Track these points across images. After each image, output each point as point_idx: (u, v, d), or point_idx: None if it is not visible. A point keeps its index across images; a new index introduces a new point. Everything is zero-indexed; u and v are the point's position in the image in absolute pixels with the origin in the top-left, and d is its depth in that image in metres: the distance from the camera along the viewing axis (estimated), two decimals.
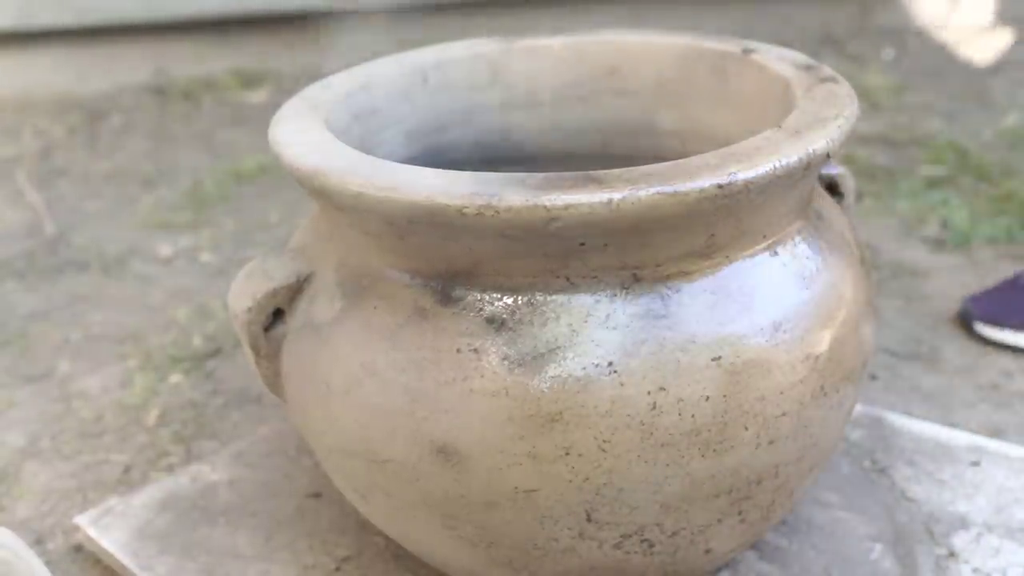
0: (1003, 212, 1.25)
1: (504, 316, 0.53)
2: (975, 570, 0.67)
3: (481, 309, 0.54)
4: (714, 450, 0.54)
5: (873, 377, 0.94)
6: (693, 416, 0.53)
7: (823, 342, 0.56)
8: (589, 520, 0.55)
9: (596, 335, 0.52)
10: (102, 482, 0.86)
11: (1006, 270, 1.12)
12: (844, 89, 0.61)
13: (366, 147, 0.69)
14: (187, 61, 1.97)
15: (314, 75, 1.91)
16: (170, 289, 1.19)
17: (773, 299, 0.55)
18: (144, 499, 0.78)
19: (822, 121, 0.56)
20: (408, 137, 0.74)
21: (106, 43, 1.95)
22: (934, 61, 1.87)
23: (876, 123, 1.57)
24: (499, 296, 0.54)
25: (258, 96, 1.88)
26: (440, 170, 0.53)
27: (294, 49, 2.01)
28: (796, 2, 2.07)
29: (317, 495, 0.78)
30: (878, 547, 0.70)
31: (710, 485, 0.55)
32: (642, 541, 0.56)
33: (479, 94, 0.77)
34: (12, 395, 1.00)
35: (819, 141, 0.54)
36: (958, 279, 1.11)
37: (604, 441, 0.52)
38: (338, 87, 0.68)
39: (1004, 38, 1.96)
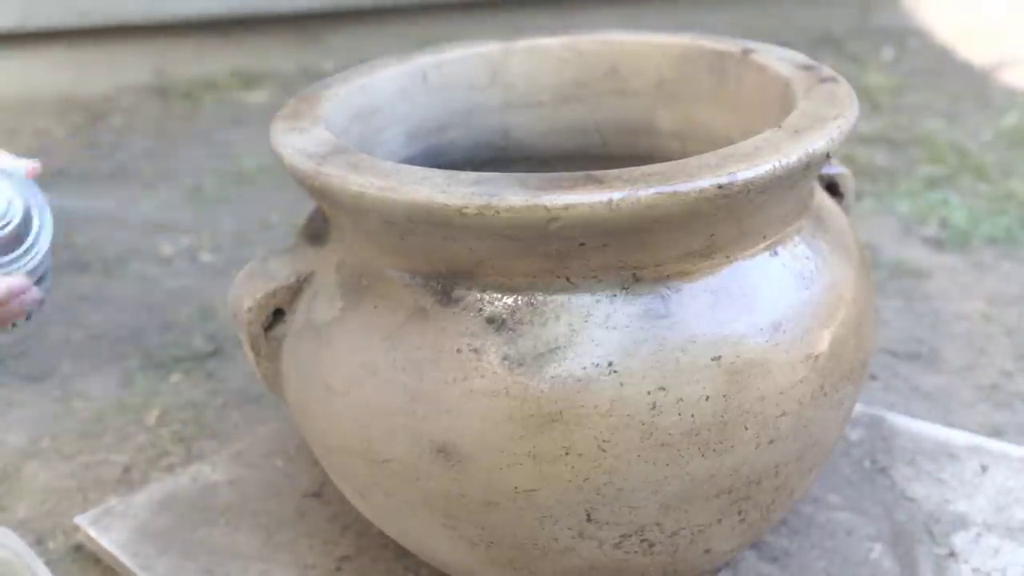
0: (1003, 212, 1.25)
1: (504, 316, 0.53)
2: (975, 570, 0.67)
3: (481, 309, 0.54)
4: (714, 450, 0.54)
5: (873, 377, 0.94)
6: (693, 416, 0.53)
7: (823, 342, 0.56)
8: (589, 520, 0.55)
9: (596, 335, 0.52)
10: (102, 482, 0.86)
11: (1007, 270, 1.12)
12: (844, 89, 0.61)
13: (366, 147, 0.69)
14: (187, 61, 1.97)
15: (314, 75, 1.91)
16: (170, 289, 1.19)
17: (773, 299, 0.55)
18: (144, 499, 0.78)
19: (822, 121, 0.56)
20: (408, 137, 0.74)
21: (106, 43, 1.95)
22: (934, 61, 1.87)
23: (876, 123, 1.57)
24: (499, 296, 0.54)
25: (258, 96, 1.88)
26: (440, 170, 0.53)
27: (294, 49, 2.01)
28: (796, 2, 2.06)
29: (317, 495, 0.78)
30: (878, 547, 0.70)
31: (710, 485, 0.55)
32: (642, 541, 0.56)
33: (479, 94, 0.77)
34: (12, 395, 1.00)
35: (819, 141, 0.54)
36: (958, 279, 1.11)
37: (604, 441, 0.52)
38: (338, 87, 0.68)
39: (1004, 38, 1.96)
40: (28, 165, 0.67)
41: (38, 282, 0.69)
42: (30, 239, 0.67)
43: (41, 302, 0.69)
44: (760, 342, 0.54)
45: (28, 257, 0.67)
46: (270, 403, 0.94)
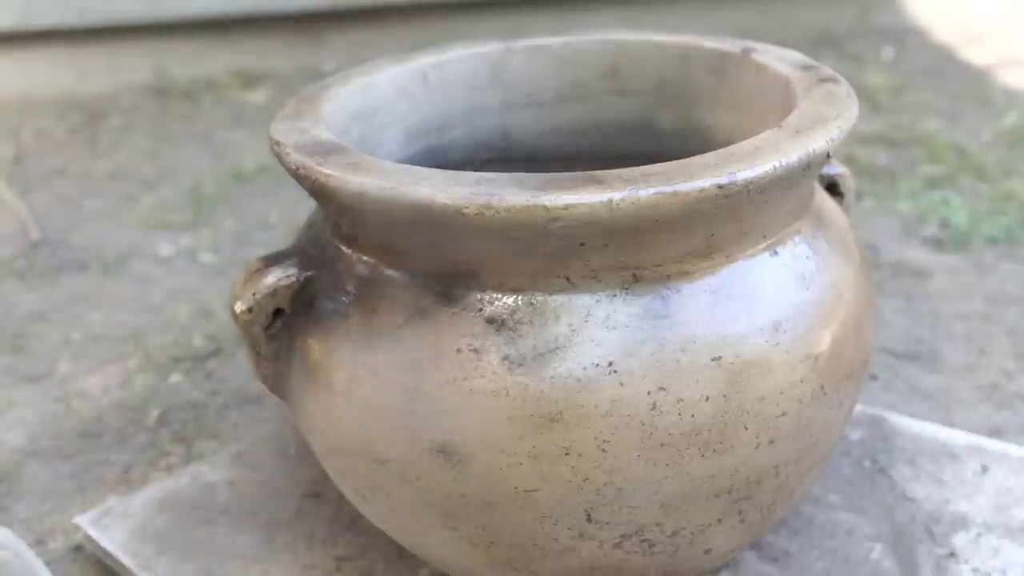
0: (1003, 212, 1.25)
1: (504, 316, 0.53)
2: (975, 570, 0.67)
3: (481, 309, 0.54)
4: (714, 450, 0.54)
5: (873, 377, 0.94)
6: (693, 416, 0.53)
7: (823, 342, 0.56)
8: (589, 520, 0.55)
9: (596, 335, 0.52)
10: (102, 482, 0.86)
11: (1007, 270, 1.12)
12: (844, 89, 0.61)
13: (366, 147, 0.69)
14: (187, 61, 1.97)
15: (314, 75, 1.91)
16: (170, 289, 1.19)
17: (773, 299, 0.55)
18: (144, 499, 0.78)
19: (822, 121, 0.56)
20: (408, 137, 0.74)
21: (106, 43, 1.95)
22: (934, 61, 1.87)
23: (876, 123, 1.57)
24: (499, 296, 0.54)
25: (258, 96, 1.88)
26: (440, 170, 0.53)
27: (294, 49, 2.01)
28: (796, 2, 2.06)
29: (317, 495, 0.78)
30: (878, 547, 0.70)
31: (710, 485, 0.55)
32: (642, 541, 0.56)
33: (479, 94, 0.77)
34: (12, 395, 1.00)
35: (819, 141, 0.54)
36: (958, 279, 1.11)
37: (604, 441, 0.52)
38: (338, 87, 0.68)
39: (1004, 38, 1.96)
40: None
41: None
42: None
43: None
44: (760, 342, 0.54)
45: None
46: (270, 403, 0.94)
